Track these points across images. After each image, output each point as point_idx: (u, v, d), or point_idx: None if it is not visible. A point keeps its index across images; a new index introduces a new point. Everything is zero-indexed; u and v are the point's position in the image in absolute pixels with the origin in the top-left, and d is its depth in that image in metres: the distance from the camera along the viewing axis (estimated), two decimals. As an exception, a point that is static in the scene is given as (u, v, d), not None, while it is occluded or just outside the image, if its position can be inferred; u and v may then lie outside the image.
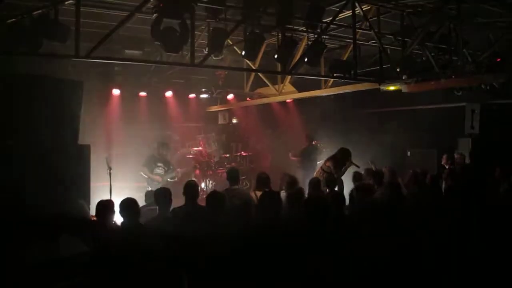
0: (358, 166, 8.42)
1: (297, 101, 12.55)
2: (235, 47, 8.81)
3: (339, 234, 4.00)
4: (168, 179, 9.21)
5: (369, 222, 4.10)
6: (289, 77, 10.22)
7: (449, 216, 4.57)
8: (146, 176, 9.13)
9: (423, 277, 3.58)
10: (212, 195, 4.93)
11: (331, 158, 8.71)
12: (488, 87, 9.15)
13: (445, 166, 9.02)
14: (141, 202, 6.45)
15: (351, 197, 5.67)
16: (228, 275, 4.00)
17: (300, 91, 10.81)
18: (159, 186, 8.11)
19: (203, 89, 12.44)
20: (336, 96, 10.25)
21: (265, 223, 4.39)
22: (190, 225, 4.63)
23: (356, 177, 7.48)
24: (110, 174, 7.84)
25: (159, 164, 9.23)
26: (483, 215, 4.00)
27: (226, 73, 11.95)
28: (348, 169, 8.60)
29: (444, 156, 9.29)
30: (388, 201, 5.39)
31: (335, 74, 7.85)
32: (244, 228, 4.54)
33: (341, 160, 8.58)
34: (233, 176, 6.29)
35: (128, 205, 4.69)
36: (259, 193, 6.25)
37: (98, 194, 7.01)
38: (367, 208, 4.67)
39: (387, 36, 8.25)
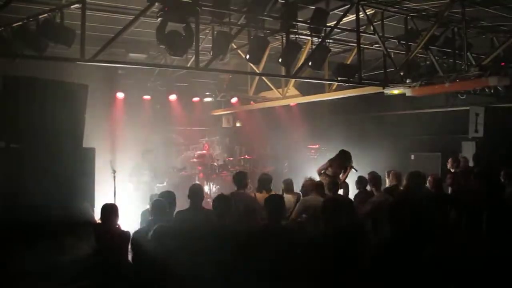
0: (356, 170, 8.07)
1: (301, 105, 12.55)
2: (239, 51, 8.83)
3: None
4: (157, 184, 9.09)
5: None
6: (293, 80, 10.21)
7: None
8: (133, 185, 9.02)
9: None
10: (219, 198, 4.88)
11: (331, 162, 8.44)
12: (492, 91, 9.10)
13: (451, 169, 8.89)
14: (145, 206, 6.49)
15: None
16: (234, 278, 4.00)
17: (304, 94, 10.81)
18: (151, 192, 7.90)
19: (207, 93, 12.49)
20: (340, 99, 10.24)
21: (272, 227, 4.38)
22: (195, 229, 4.63)
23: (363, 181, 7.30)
24: (114, 177, 7.87)
25: (144, 172, 9.12)
26: (493, 218, 3.96)
27: (230, 76, 11.96)
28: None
29: (450, 160, 9.15)
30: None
31: (339, 78, 7.84)
32: (250, 232, 4.54)
33: (341, 163, 8.14)
34: (239, 180, 6.25)
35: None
36: (259, 195, 6.21)
37: (102, 197, 7.02)
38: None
39: (391, 40, 8.25)
